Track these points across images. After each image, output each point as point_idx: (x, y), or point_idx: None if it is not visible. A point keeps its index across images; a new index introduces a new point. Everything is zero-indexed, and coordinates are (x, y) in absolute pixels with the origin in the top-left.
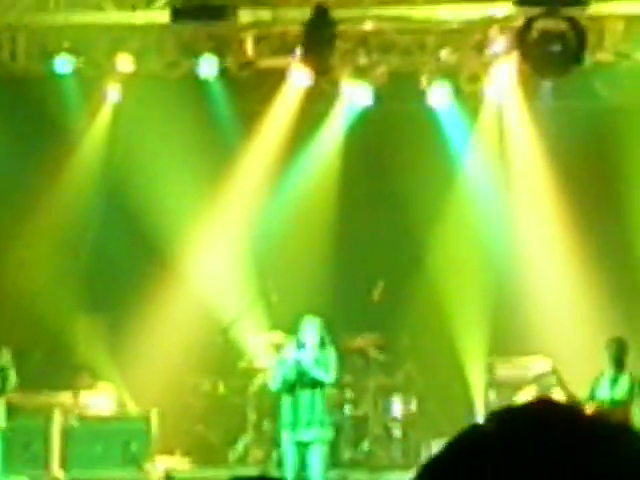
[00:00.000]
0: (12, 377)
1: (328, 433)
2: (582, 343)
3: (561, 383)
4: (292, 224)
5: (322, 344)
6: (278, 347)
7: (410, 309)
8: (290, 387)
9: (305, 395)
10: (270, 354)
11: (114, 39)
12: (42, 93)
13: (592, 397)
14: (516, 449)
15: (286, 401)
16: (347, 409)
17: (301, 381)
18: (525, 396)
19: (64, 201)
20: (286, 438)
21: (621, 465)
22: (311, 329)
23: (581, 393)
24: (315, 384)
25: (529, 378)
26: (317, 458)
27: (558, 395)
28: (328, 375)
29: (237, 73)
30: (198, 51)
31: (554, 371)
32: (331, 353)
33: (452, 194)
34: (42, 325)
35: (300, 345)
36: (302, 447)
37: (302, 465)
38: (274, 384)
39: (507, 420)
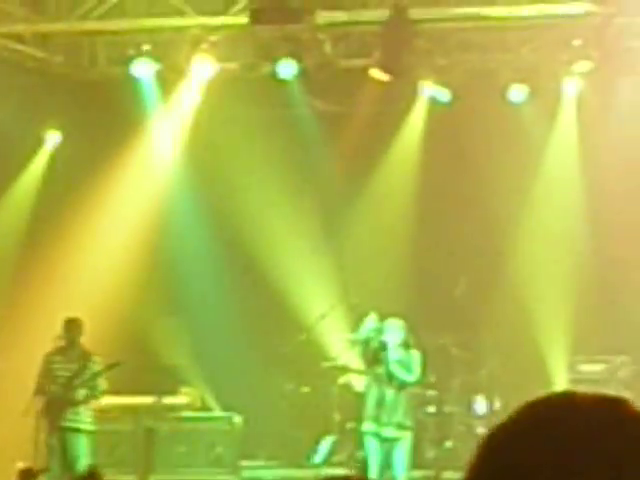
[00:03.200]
0: (102, 385)
1: (406, 435)
2: None
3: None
4: (372, 223)
5: (406, 346)
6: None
7: (492, 306)
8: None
9: (390, 394)
10: (352, 355)
11: (193, 42)
12: (121, 97)
13: None
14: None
15: (371, 395)
16: (430, 408)
17: (388, 380)
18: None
19: (145, 204)
20: (367, 429)
21: None
22: (394, 331)
23: None
24: (400, 385)
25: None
26: (400, 456)
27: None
28: (411, 376)
29: (316, 74)
30: (276, 52)
31: (622, 367)
32: (415, 355)
33: (532, 191)
34: (126, 329)
35: (383, 347)
36: (386, 444)
37: (386, 463)
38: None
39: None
